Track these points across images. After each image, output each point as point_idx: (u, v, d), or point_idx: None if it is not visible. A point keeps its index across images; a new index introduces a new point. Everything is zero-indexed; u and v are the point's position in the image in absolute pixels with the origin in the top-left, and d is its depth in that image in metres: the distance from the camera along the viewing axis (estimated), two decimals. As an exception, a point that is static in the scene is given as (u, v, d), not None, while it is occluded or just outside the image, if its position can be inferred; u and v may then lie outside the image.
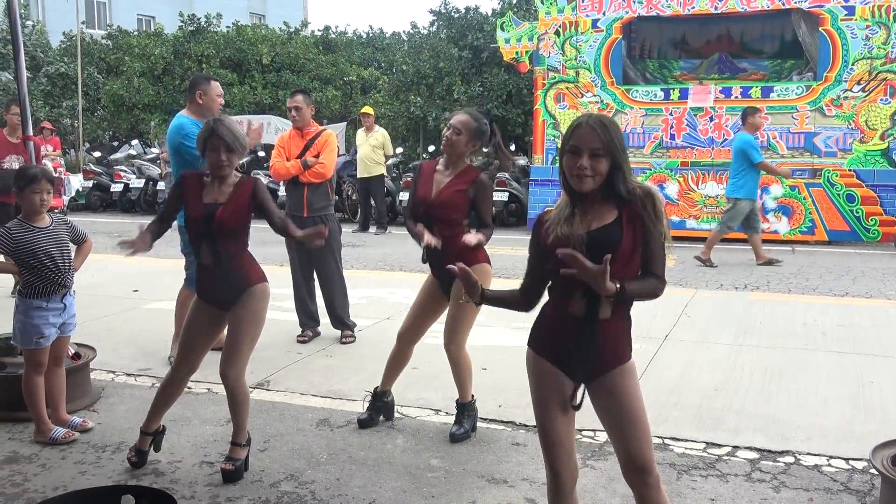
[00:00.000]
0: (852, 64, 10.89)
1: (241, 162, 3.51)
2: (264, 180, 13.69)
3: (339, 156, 5.97)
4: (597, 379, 2.35)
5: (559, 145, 2.36)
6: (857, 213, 10.80)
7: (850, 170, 10.89)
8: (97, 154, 18.10)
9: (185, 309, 5.07)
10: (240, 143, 3.32)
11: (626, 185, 2.26)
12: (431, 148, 15.11)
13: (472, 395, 3.88)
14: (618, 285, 2.18)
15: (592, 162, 2.23)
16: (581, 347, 2.32)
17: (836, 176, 10.89)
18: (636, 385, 2.38)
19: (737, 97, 11.44)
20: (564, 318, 2.33)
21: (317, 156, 5.55)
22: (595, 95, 11.99)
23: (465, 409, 3.85)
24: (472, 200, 3.69)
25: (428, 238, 3.59)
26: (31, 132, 4.77)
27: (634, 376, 2.39)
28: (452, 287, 3.69)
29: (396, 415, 4.13)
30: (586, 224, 2.29)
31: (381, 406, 4.02)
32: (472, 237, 3.59)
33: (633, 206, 2.27)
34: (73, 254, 3.88)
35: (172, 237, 4.06)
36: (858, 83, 10.88)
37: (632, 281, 2.26)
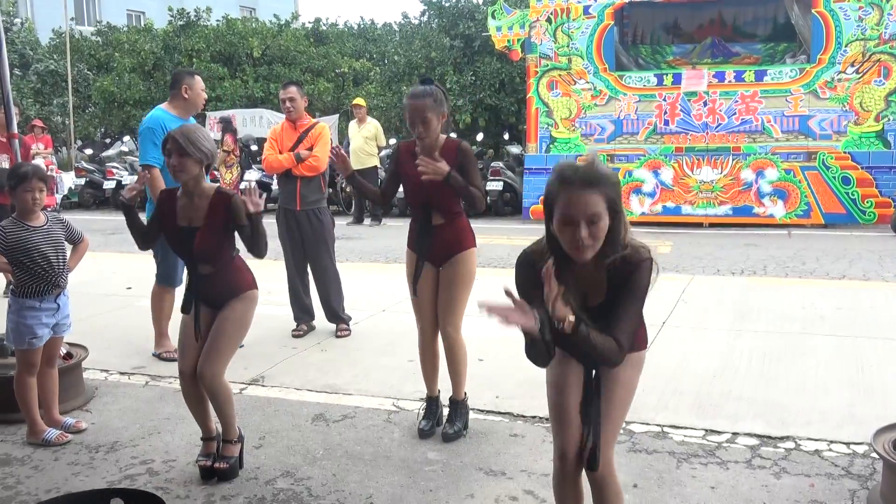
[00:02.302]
0: (846, 45, 10.82)
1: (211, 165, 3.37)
2: (257, 174, 13.65)
3: (332, 148, 5.90)
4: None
5: (545, 191, 2.10)
6: (853, 195, 10.76)
7: (845, 152, 10.83)
8: (89, 151, 17.98)
9: (161, 305, 5.05)
10: (194, 147, 3.16)
11: (618, 248, 2.13)
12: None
13: (465, 392, 3.79)
14: (572, 318, 2.01)
15: (592, 229, 2.05)
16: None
17: (832, 159, 10.83)
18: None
19: (730, 81, 11.37)
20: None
21: (310, 149, 5.50)
22: (588, 82, 11.92)
23: (458, 406, 3.75)
24: (459, 169, 3.50)
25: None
26: (15, 130, 4.71)
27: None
28: (441, 269, 3.64)
29: (392, 408, 4.10)
30: (580, 296, 2.18)
31: (435, 410, 3.81)
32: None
33: (619, 270, 2.15)
34: (68, 253, 3.85)
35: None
36: (852, 65, 10.81)
37: (593, 329, 2.09)
